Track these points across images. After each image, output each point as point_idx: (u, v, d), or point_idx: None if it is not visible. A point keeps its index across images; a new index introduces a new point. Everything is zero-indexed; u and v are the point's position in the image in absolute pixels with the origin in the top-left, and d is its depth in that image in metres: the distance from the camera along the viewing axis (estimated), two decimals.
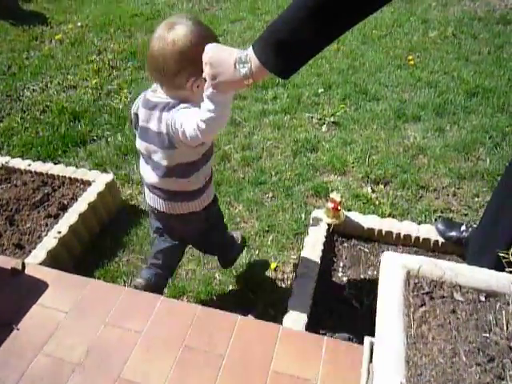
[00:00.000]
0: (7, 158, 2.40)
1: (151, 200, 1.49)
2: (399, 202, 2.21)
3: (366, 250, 1.88)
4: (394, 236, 1.87)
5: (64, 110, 3.08)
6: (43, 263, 1.79)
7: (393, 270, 0.97)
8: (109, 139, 2.83)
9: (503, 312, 0.90)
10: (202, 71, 1.11)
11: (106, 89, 3.35)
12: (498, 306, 0.91)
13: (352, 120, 2.83)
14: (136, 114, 1.43)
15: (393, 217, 2.10)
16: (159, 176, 1.40)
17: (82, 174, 2.24)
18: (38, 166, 2.31)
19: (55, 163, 2.52)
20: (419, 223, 1.97)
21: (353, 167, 2.47)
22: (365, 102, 2.99)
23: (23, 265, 1.67)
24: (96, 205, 2.09)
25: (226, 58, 1.05)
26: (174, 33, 1.24)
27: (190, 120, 1.21)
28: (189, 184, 1.42)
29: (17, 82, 3.55)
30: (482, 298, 0.93)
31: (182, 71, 1.25)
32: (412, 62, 3.35)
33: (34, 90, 3.44)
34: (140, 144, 1.43)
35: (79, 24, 4.50)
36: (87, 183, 2.20)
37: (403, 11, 4.21)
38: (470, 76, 3.12)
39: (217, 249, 1.80)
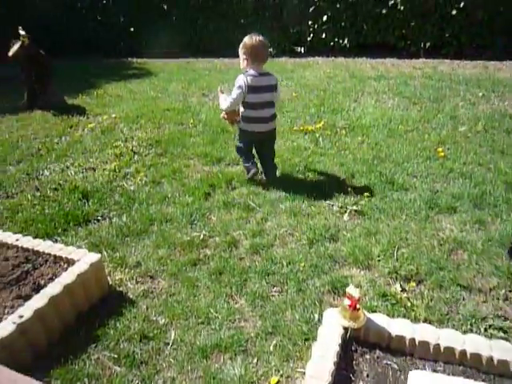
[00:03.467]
0: None
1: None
2: (436, 305, 1.75)
3: (395, 365, 1.40)
4: (432, 348, 1.40)
5: (76, 188, 2.93)
6: None
7: None
8: (113, 219, 2.59)
9: None
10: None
11: (124, 172, 3.23)
12: None
13: (377, 209, 2.49)
14: None
15: (429, 322, 1.63)
16: None
17: (67, 252, 1.95)
18: (26, 242, 2.06)
19: (52, 241, 2.29)
20: (464, 332, 1.50)
21: (378, 261, 2.07)
22: (391, 191, 2.67)
23: None
24: (74, 288, 1.76)
25: None
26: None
27: None
28: None
29: (40, 162, 3.52)
30: None
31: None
32: (442, 154, 3.08)
33: (53, 170, 3.37)
34: None
35: (113, 115, 4.64)
36: (71, 262, 1.90)
37: (430, 109, 4.08)
38: (508, 167, 2.79)
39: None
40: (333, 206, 2.57)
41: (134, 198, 2.80)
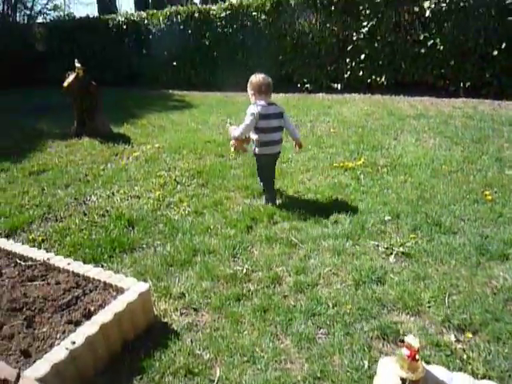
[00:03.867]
0: (51, 255, 2.24)
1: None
2: (496, 360, 1.65)
3: None
4: None
5: (122, 215, 3.01)
6: (43, 378, 1.44)
7: None
8: (157, 248, 2.62)
9: None
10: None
11: (167, 201, 3.30)
12: None
13: (425, 252, 2.41)
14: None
15: (489, 378, 1.54)
16: None
17: (117, 279, 1.98)
18: (77, 267, 2.11)
19: (98, 267, 2.35)
20: None
21: (429, 307, 1.99)
22: (439, 234, 2.59)
23: (18, 377, 1.33)
24: (123, 317, 1.78)
25: None
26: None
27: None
28: None
29: (87, 188, 3.65)
30: None
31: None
32: (490, 198, 2.99)
33: (100, 196, 3.49)
34: None
35: (157, 145, 4.79)
36: (120, 290, 1.93)
37: (473, 150, 4.00)
38: None
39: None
40: (378, 246, 2.51)
41: (177, 227, 2.84)
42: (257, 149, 3.11)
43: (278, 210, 3.01)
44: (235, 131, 3.13)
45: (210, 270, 2.34)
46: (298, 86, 8.64)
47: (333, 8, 8.09)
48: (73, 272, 2.07)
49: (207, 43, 9.31)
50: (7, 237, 2.88)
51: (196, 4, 14.36)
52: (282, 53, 8.76)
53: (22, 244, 2.58)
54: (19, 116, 6.95)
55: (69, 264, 2.13)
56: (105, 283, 1.98)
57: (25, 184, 3.82)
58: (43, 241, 2.78)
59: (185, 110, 7.16)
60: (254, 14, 8.85)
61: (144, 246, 2.66)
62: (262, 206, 3.09)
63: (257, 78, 3.12)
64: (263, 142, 3.07)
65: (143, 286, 1.92)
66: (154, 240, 2.72)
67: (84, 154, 4.64)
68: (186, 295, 2.16)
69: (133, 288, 1.90)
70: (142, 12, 10.10)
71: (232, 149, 3.27)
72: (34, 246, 2.67)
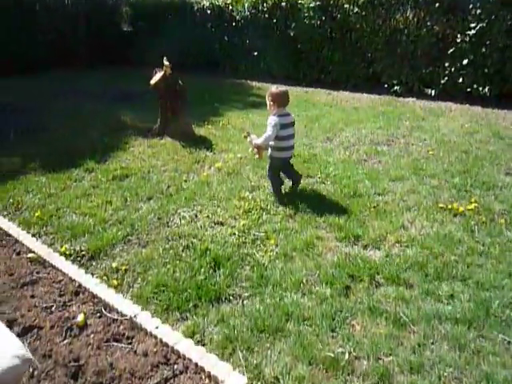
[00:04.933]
0: (137, 310, 2.05)
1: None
2: None
3: None
4: None
5: (207, 251, 2.77)
6: None
7: None
8: (245, 302, 2.36)
9: None
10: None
11: (253, 234, 3.02)
12: None
13: None
14: None
15: None
16: None
17: (209, 363, 1.73)
18: (165, 333, 1.89)
19: (183, 318, 2.15)
20: None
21: None
22: None
23: None
24: None
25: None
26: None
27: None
28: None
29: (170, 204, 3.47)
30: None
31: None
32: None
33: (183, 217, 3.28)
34: None
35: (239, 155, 4.52)
36: (213, 379, 1.67)
37: None
38: None
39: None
40: (510, 343, 2.05)
41: (266, 276, 2.54)
42: (274, 153, 3.46)
43: (380, 266, 2.62)
44: (258, 140, 3.47)
45: (306, 348, 2.03)
46: (386, 86, 7.95)
47: (437, 5, 7.23)
48: (161, 340, 1.86)
49: (292, 34, 8.81)
50: (91, 259, 2.77)
51: None
52: (371, 50, 8.07)
53: (105, 276, 2.45)
54: (103, 104, 6.98)
55: (157, 328, 1.92)
56: (196, 365, 1.74)
57: (108, 191, 3.73)
58: (126, 271, 2.63)
59: (264, 108, 6.77)
60: (345, 6, 8.19)
61: (231, 296, 2.40)
62: (360, 258, 2.71)
63: (278, 89, 3.42)
64: (281, 148, 3.44)
65: (241, 381, 1.65)
66: (242, 289, 2.46)
67: (166, 158, 4.48)
68: (281, 381, 1.88)
69: (228, 381, 1.64)
70: None
71: (256, 156, 3.74)
72: (116, 277, 2.53)
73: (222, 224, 3.19)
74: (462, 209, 3.32)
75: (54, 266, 2.45)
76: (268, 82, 9.11)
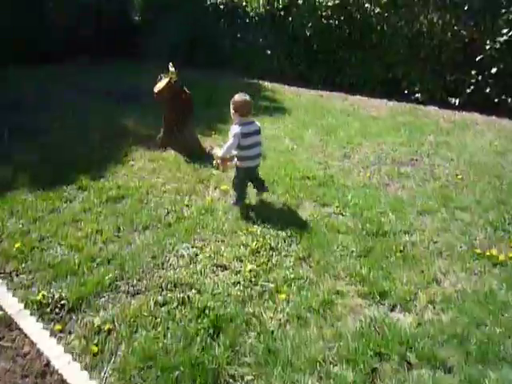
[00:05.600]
0: None
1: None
2: None
3: None
4: None
5: (206, 309, 2.32)
6: None
7: None
8: None
9: None
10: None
11: (260, 285, 2.56)
12: None
13: None
14: None
15: None
16: None
17: None
18: None
19: None
20: None
21: None
22: None
23: None
24: None
25: None
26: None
27: None
28: None
29: (168, 238, 3.02)
30: None
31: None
32: None
33: (182, 255, 2.84)
34: None
35: None
36: None
37: None
38: None
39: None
40: None
41: (274, 350, 2.08)
42: (238, 162, 3.36)
43: (411, 339, 2.15)
44: (220, 151, 3.41)
45: None
46: (406, 93, 7.39)
47: (466, 7, 6.63)
48: None
49: (308, 33, 8.25)
50: (71, 311, 2.33)
51: None
52: (392, 53, 7.50)
53: (84, 339, 2.02)
54: (108, 103, 6.49)
55: None
56: None
57: (100, 216, 3.29)
58: (109, 332, 2.19)
59: (276, 114, 6.31)
60: (366, 6, 7.61)
61: (231, 379, 1.95)
62: (387, 325, 2.24)
63: (241, 98, 3.29)
64: (245, 157, 3.32)
65: None
66: (245, 369, 2.00)
67: (168, 175, 4.03)
68: None
69: None
70: None
71: (220, 168, 3.76)
72: (97, 341, 2.10)
73: (225, 268, 2.74)
74: (502, 257, 2.83)
75: (21, 330, 2.02)
76: (280, 82, 8.61)
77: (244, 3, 8.97)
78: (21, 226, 3.16)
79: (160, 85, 4.33)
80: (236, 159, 3.37)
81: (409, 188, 3.95)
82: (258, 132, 3.35)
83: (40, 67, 8.36)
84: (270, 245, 2.95)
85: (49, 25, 9.69)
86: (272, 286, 2.55)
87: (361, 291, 2.52)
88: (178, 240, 3.01)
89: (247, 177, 3.46)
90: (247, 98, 3.31)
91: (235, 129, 3.24)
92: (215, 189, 3.82)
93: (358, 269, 2.70)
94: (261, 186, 3.57)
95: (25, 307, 2.24)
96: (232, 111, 3.33)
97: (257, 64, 9.09)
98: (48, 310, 2.33)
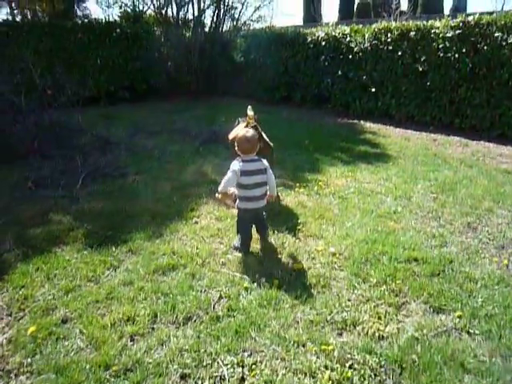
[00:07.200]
0: None
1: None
2: None
3: None
4: None
5: None
6: None
7: None
8: None
9: None
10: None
11: None
12: None
13: None
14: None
15: None
16: None
17: None
18: None
19: None
20: None
21: None
22: None
23: None
24: None
25: None
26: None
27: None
28: None
29: (210, 340, 2.17)
30: None
31: None
32: None
33: (222, 377, 1.96)
34: None
35: (332, 250, 3.05)
36: None
37: None
38: None
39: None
40: None
41: None
42: (239, 203, 3.06)
43: None
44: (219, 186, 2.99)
45: None
46: None
47: None
48: None
49: (420, 68, 7.06)
50: None
51: (407, 15, 11.97)
52: None
53: None
54: (193, 146, 6.11)
55: None
56: None
57: (140, 293, 2.60)
58: None
59: (377, 163, 5.22)
60: (496, 35, 6.20)
61: None
62: None
63: (244, 134, 3.00)
64: (245, 197, 3.01)
65: None
66: None
67: (233, 240, 3.24)
68: None
69: None
70: (346, 27, 8.40)
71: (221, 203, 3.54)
72: None
73: None
74: None
75: None
76: (386, 123, 7.49)
77: (348, 38, 8.15)
78: (51, 297, 2.61)
79: (236, 130, 3.64)
80: (237, 199, 3.05)
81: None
82: (262, 171, 2.99)
83: (142, 105, 8.53)
84: (352, 381, 1.91)
85: (157, 67, 10.17)
86: None
87: None
88: (222, 347, 2.14)
89: (248, 219, 3.08)
90: (250, 133, 3.00)
91: (235, 165, 2.94)
92: (287, 265, 2.91)
93: None
94: (263, 230, 3.18)
95: None
96: (235, 146, 3.05)
97: (358, 102, 8.12)
98: None
